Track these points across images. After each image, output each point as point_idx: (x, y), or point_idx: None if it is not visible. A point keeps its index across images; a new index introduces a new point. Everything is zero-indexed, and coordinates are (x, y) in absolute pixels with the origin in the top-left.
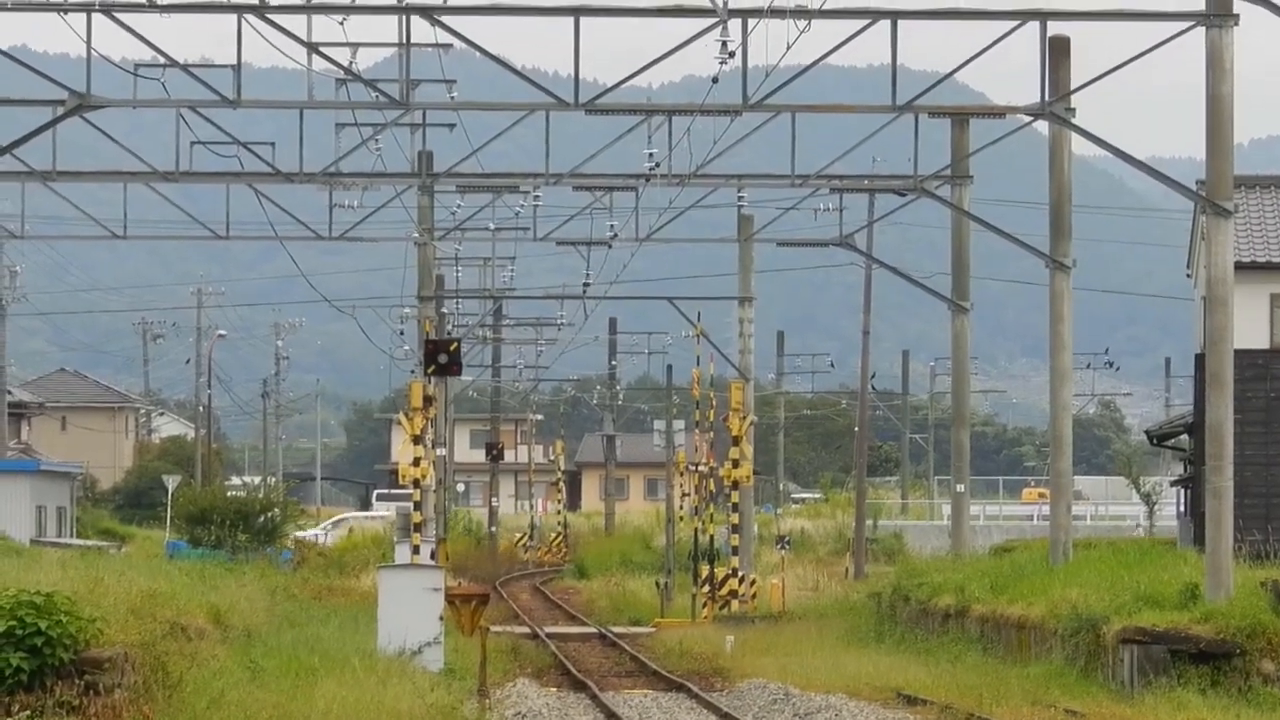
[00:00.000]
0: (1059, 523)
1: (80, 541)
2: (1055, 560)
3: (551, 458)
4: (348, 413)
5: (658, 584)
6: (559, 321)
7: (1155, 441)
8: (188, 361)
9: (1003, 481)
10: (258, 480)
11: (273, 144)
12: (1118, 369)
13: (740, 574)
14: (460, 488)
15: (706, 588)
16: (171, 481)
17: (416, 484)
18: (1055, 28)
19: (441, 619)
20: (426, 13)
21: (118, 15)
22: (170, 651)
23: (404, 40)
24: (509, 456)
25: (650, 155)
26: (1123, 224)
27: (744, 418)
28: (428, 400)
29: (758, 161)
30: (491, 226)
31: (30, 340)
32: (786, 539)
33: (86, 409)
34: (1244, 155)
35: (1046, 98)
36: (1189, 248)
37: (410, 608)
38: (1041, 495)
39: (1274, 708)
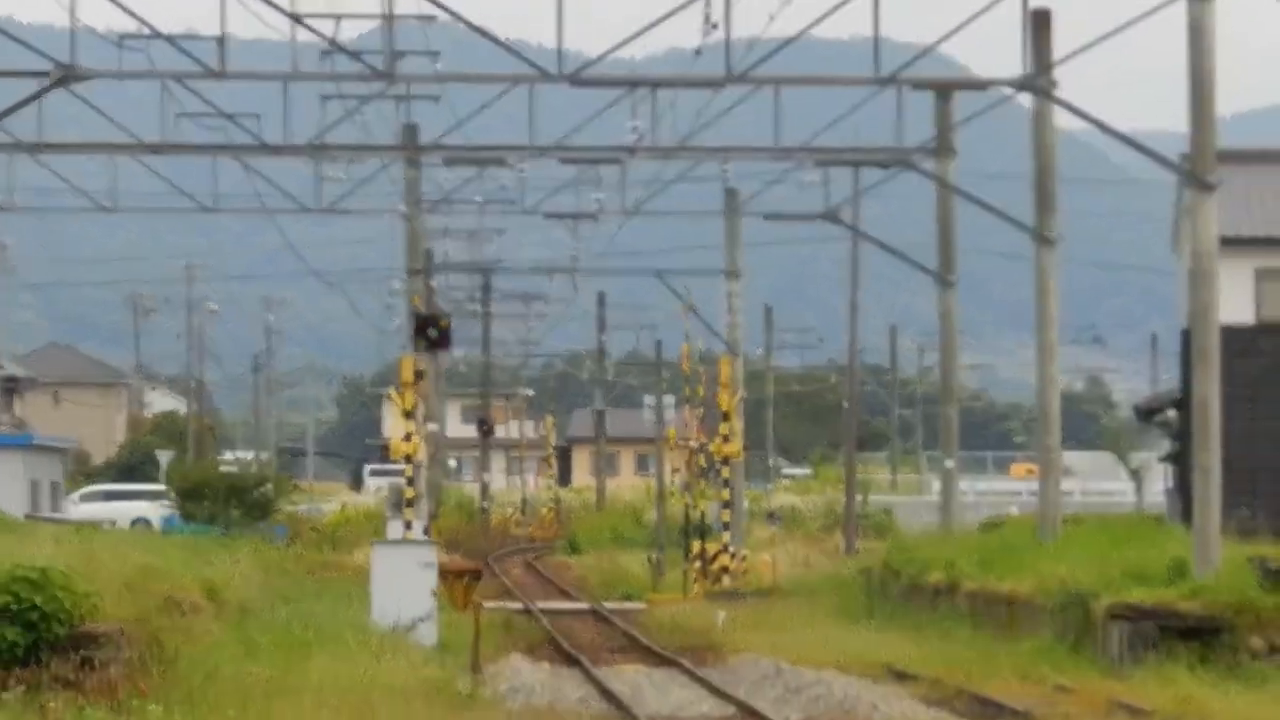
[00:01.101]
0: (1048, 498)
1: (74, 517)
2: (1044, 536)
3: (542, 433)
4: (339, 387)
5: (649, 559)
6: (548, 296)
7: (1143, 417)
8: (179, 336)
9: (991, 457)
10: (250, 455)
11: (258, 116)
12: (1105, 344)
13: (731, 550)
14: (452, 463)
15: (698, 563)
16: (164, 456)
17: (408, 459)
18: (1037, 0)
19: (434, 594)
20: None
21: None
22: (165, 626)
23: (388, 12)
24: (500, 432)
25: (635, 128)
26: (1107, 197)
27: (733, 393)
28: (418, 375)
29: (743, 134)
30: (479, 199)
31: (21, 313)
32: (777, 514)
33: (79, 384)
34: (1227, 127)
35: (1029, 71)
36: (1173, 221)
37: (403, 583)
38: (1030, 471)
39: (1262, 683)
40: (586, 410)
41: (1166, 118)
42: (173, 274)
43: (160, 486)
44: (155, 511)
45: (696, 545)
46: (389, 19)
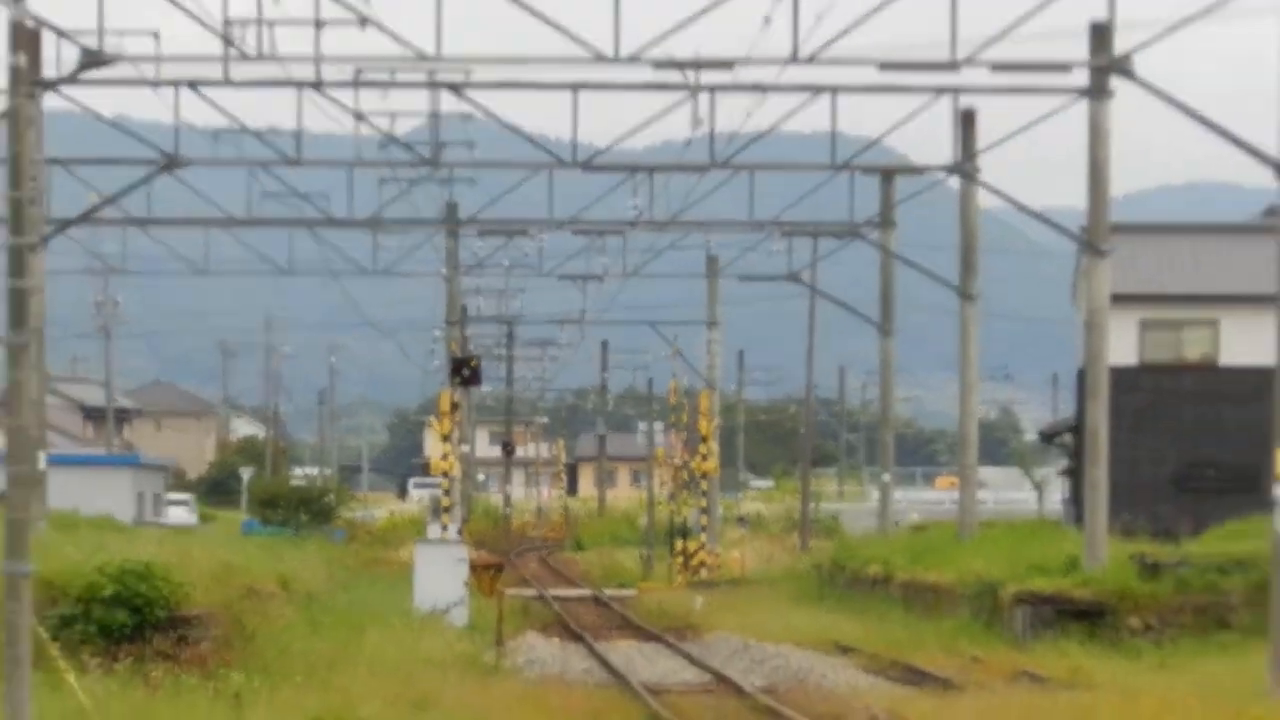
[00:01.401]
0: (966, 506)
1: (173, 521)
2: (963, 536)
3: (554, 453)
4: (389, 416)
5: (641, 555)
6: (560, 342)
7: (1045, 440)
8: (258, 375)
9: (920, 472)
10: (316, 471)
11: (327, 195)
12: (1014, 380)
13: (708, 547)
14: (480, 478)
15: (681, 558)
16: (246, 473)
17: (445, 474)
18: (965, 100)
19: (466, 584)
20: (453, 88)
21: (201, 89)
22: (246, 610)
23: (434, 110)
24: (520, 452)
25: (635, 206)
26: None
27: (711, 420)
28: (454, 406)
29: (723, 210)
30: (505, 264)
31: (130, 358)
32: (745, 519)
33: (177, 414)
34: (1118, 205)
35: (958, 159)
36: (1072, 282)
37: (440, 575)
38: (952, 484)
39: (1139, 655)
40: (591, 434)
41: (1070, 197)
42: (254, 325)
43: (185, 496)
44: (187, 516)
45: (679, 544)
46: (435, 117)
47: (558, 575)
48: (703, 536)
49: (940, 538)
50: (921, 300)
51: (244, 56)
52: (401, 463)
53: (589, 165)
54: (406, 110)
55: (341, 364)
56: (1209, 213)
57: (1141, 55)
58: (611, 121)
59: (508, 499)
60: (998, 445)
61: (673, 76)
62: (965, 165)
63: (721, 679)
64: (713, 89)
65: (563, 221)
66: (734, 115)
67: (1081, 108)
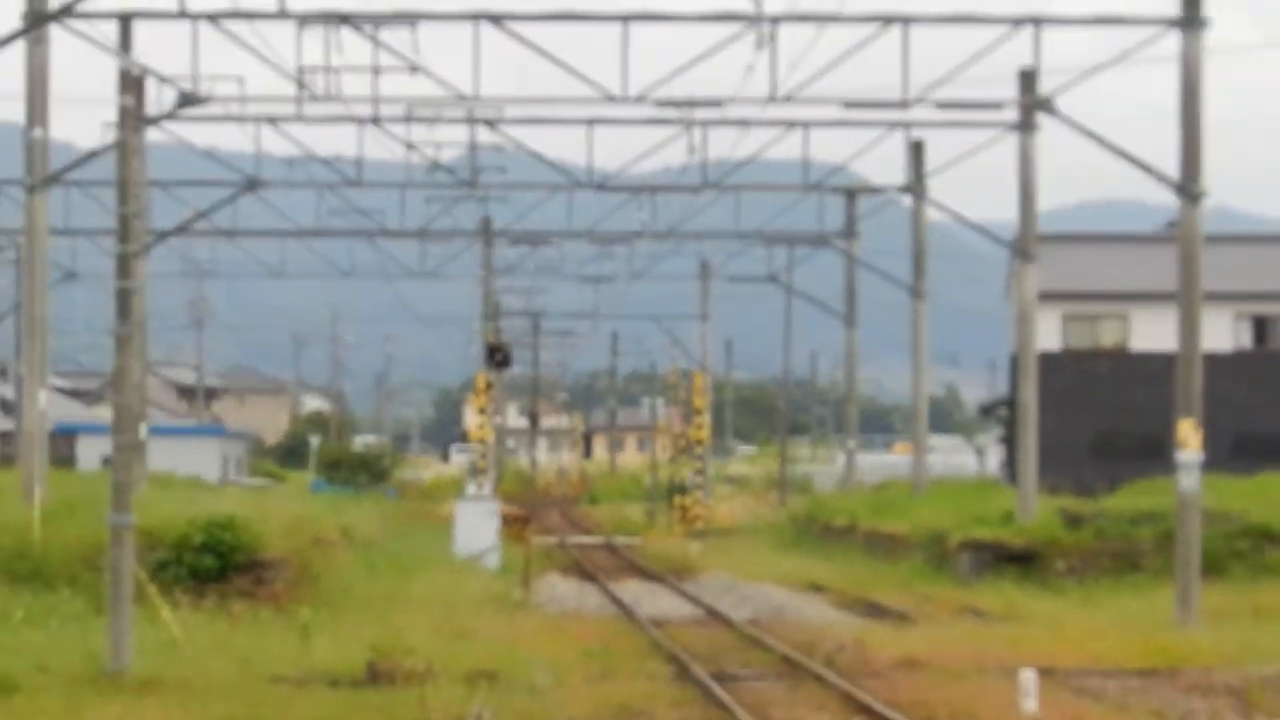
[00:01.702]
0: (918, 468)
1: (251, 481)
2: (916, 493)
3: (573, 424)
4: (434, 393)
5: (645, 509)
6: (578, 333)
7: (984, 413)
8: (325, 359)
9: (880, 439)
10: (373, 439)
11: (383, 211)
12: (959, 364)
13: (702, 502)
14: (510, 445)
15: (679, 512)
16: (314, 440)
17: (481, 442)
18: (915, 132)
19: (498, 534)
20: (489, 123)
21: (278, 124)
22: (313, 556)
23: (473, 142)
24: (544, 423)
25: (640, 220)
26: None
27: (703, 397)
28: (489, 385)
29: (713, 223)
30: (532, 268)
31: (218, 345)
32: (733, 479)
33: (256, 392)
34: (1044, 219)
35: (910, 180)
36: (1006, 282)
37: (476, 526)
38: (906, 450)
39: (1064, 593)
40: (603, 408)
41: (1004, 211)
42: (322, 319)
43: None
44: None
45: (678, 499)
46: (473, 146)
47: (575, 526)
48: (698, 493)
49: (897, 494)
50: (880, 298)
51: (314, 97)
52: (445, 432)
53: (602, 186)
54: (449, 141)
55: (394, 351)
56: (1120, 224)
57: (1063, 94)
58: (621, 150)
59: (534, 462)
60: (944, 417)
61: (671, 113)
62: (915, 186)
63: (713, 612)
64: (705, 123)
65: (580, 233)
66: (723, 145)
67: (1013, 138)
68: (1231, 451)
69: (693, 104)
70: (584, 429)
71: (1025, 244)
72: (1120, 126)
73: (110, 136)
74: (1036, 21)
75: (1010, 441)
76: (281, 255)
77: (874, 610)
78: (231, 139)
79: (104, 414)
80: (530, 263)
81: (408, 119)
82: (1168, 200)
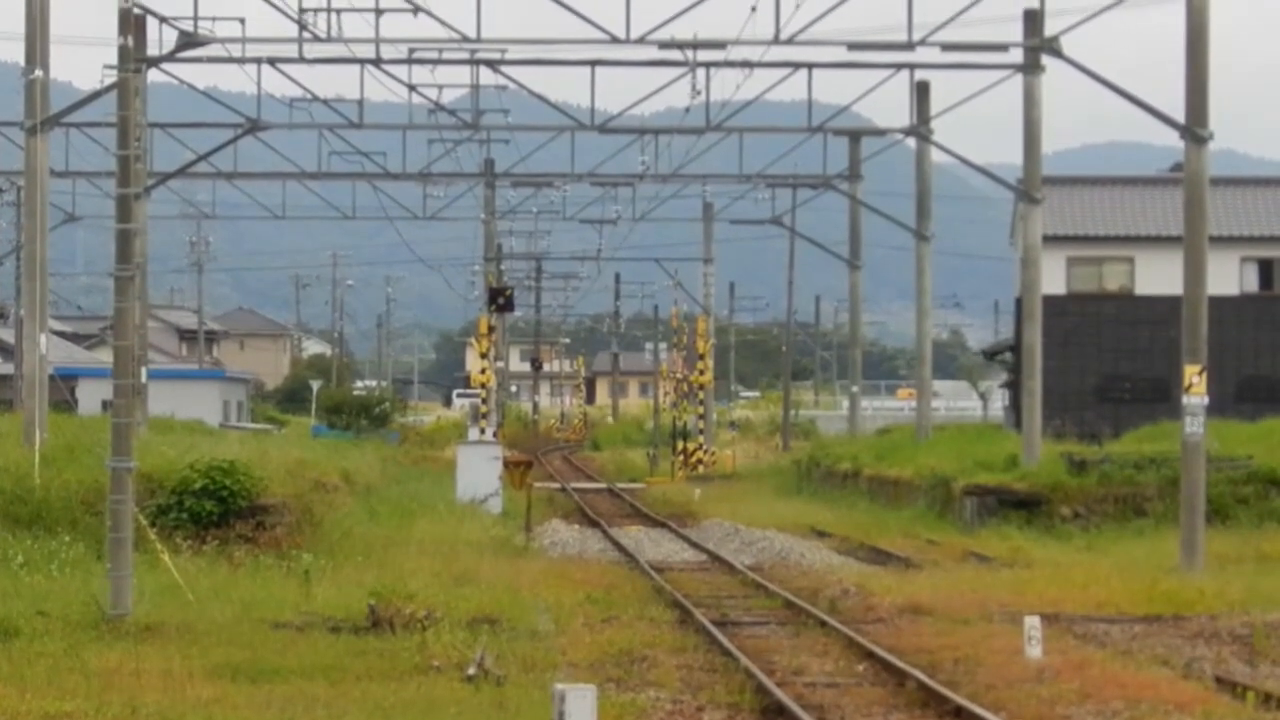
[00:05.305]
0: (922, 412)
1: (252, 425)
2: (920, 438)
3: (575, 368)
4: (436, 337)
5: (648, 454)
6: (580, 275)
7: (988, 357)
8: (326, 302)
9: (884, 384)
10: (374, 383)
11: (384, 153)
12: (963, 307)
13: (704, 447)
14: (513, 389)
15: (681, 457)
16: (315, 384)
17: (483, 386)
18: (920, 74)
19: (500, 478)
20: (491, 64)
21: (279, 65)
22: (314, 501)
23: (475, 83)
24: (546, 367)
25: (643, 162)
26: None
27: (707, 341)
28: (491, 329)
29: (717, 165)
30: (534, 210)
31: (218, 288)
32: (736, 423)
33: (257, 335)
34: (1049, 161)
35: (914, 122)
36: (1011, 224)
37: (478, 471)
38: (910, 394)
39: (1069, 538)
40: (606, 353)
41: (1009, 154)
42: (323, 261)
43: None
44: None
45: (680, 444)
46: (475, 88)
47: (578, 471)
48: (700, 438)
49: (900, 439)
50: (884, 240)
51: (315, 38)
52: (446, 376)
53: (604, 128)
54: (451, 83)
55: (396, 294)
56: (1125, 167)
57: (1068, 36)
58: (623, 92)
59: (536, 407)
60: (949, 361)
61: (675, 55)
62: (920, 128)
63: (716, 558)
64: (708, 65)
65: (582, 175)
66: (726, 87)
67: (1018, 80)
68: (1237, 396)
69: (696, 45)
70: (586, 373)
71: (1030, 186)
72: (1127, 68)
73: (110, 78)
74: None
75: (1014, 386)
76: (282, 197)
77: (877, 556)
78: (232, 80)
79: (104, 358)
80: (532, 205)
81: (410, 60)
82: (1173, 141)
